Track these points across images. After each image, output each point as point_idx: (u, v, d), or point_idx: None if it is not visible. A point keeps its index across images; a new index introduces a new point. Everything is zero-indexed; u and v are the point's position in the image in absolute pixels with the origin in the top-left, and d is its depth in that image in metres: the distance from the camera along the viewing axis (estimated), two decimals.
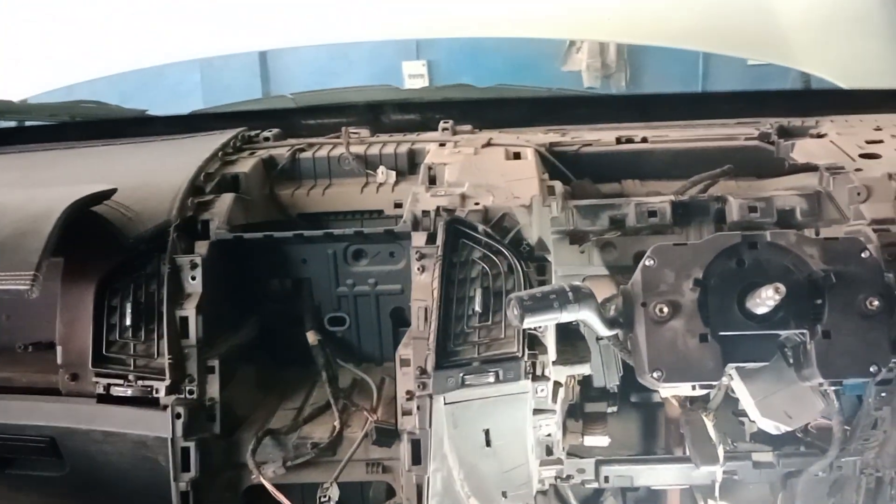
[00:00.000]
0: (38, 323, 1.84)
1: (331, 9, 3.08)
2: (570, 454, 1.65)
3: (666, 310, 1.29)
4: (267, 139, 2.10)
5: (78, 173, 1.90)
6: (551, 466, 1.54)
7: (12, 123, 2.28)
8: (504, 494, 1.47)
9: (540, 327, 1.46)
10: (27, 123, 2.32)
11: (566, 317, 1.31)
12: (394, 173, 1.92)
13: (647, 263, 1.33)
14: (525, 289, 1.47)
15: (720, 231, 1.58)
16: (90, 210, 1.60)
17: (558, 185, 1.68)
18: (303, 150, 1.98)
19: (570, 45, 5.58)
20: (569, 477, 1.65)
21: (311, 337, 1.79)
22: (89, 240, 1.59)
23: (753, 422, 1.37)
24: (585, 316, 1.32)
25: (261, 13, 2.98)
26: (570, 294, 1.29)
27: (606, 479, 1.66)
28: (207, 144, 1.93)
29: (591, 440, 1.73)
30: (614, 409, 1.80)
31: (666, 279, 1.31)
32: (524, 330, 1.45)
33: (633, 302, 1.33)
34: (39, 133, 2.34)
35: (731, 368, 1.30)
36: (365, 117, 2.22)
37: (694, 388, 1.34)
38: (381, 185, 1.90)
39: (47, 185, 1.77)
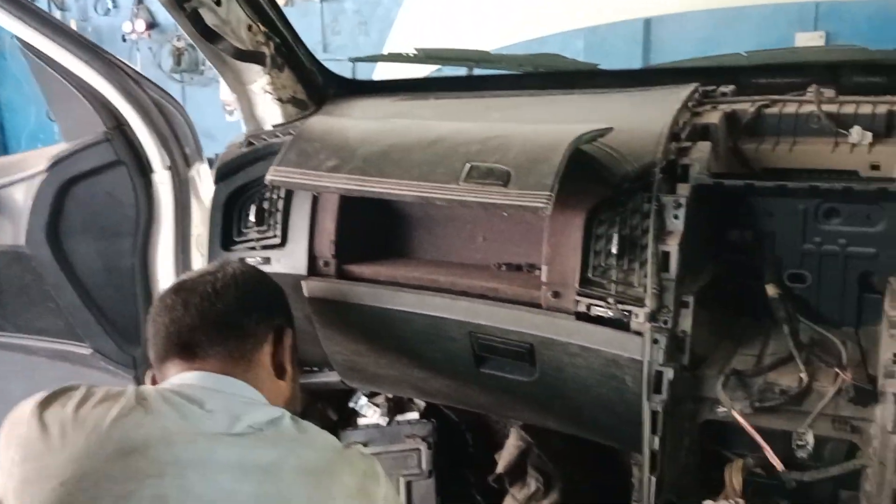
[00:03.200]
0: (507, 246, 2.08)
1: None
2: None
3: None
4: (724, 94, 2.12)
5: (560, 115, 2.08)
6: None
7: (483, 71, 2.55)
8: None
9: None
10: (489, 71, 2.57)
11: None
12: (870, 134, 1.84)
13: None
14: None
15: None
16: (579, 148, 1.76)
17: None
18: (767, 106, 1.97)
19: None
20: None
21: (772, 290, 1.80)
22: (579, 173, 1.74)
23: None
24: None
25: None
26: None
27: None
28: (670, 97, 2.00)
29: None
30: None
31: None
32: None
33: None
34: (495, 80, 2.60)
35: None
36: (823, 78, 2.13)
37: None
38: (854, 145, 1.84)
39: (538, 123, 1.96)
